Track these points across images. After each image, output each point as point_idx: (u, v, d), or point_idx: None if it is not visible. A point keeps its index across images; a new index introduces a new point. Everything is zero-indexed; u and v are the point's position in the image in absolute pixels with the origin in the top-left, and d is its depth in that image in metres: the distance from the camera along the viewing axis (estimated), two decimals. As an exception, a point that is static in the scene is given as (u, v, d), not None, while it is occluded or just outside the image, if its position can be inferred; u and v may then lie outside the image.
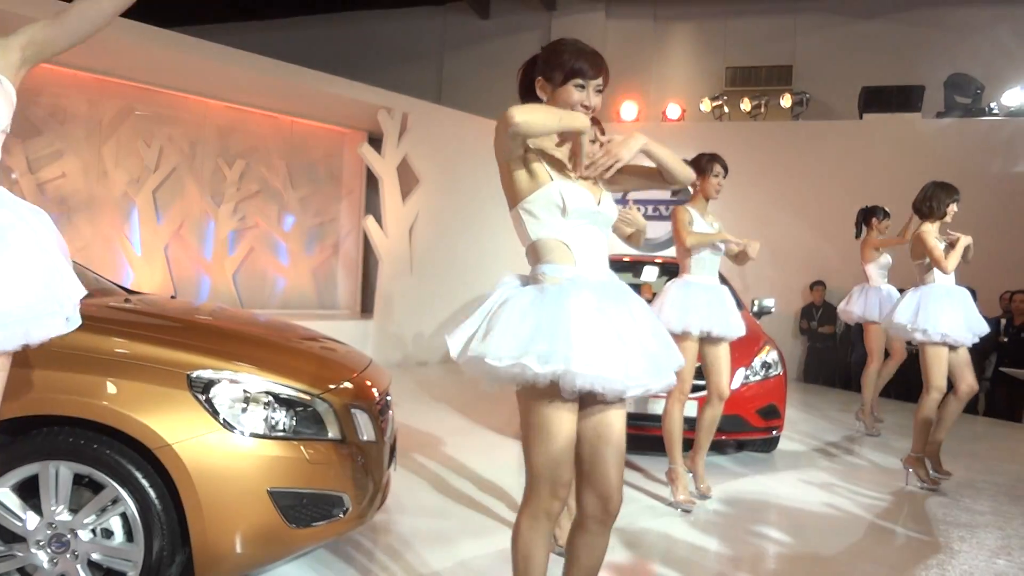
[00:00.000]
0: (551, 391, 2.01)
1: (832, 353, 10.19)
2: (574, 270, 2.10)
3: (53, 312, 1.75)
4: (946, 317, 4.57)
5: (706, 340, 4.21)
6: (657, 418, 4.98)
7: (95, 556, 2.39)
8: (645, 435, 5.04)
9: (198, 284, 9.55)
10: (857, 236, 6.56)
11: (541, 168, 2.12)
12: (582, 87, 2.10)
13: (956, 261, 4.60)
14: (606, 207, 2.21)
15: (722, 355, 4.28)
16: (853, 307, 6.61)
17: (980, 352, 8.15)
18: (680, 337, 4.08)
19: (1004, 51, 10.85)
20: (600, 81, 2.13)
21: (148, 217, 9.03)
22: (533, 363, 1.93)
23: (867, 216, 6.55)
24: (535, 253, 2.16)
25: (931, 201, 4.71)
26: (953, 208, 4.71)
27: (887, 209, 6.52)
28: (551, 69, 2.13)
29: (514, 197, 2.16)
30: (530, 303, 2.04)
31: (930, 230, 4.69)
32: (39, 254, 1.73)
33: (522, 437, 2.14)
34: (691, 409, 4.62)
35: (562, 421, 2.05)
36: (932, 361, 4.65)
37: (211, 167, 9.67)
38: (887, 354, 6.60)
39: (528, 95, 2.22)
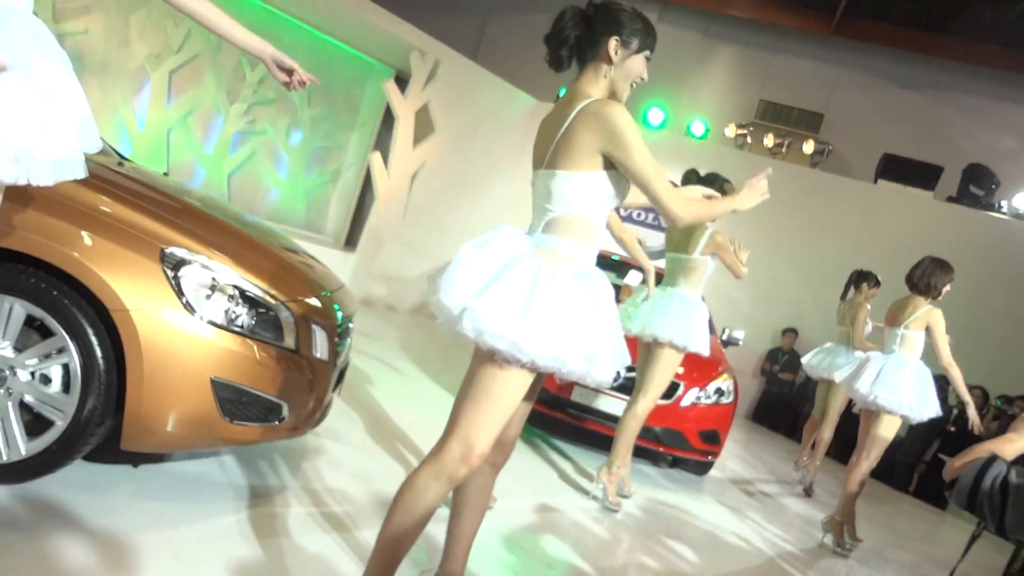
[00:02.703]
0: (524, 370, 1.99)
1: (787, 400, 10.33)
2: (588, 255, 2.11)
3: (57, 158, 1.77)
4: (908, 390, 4.58)
5: (655, 344, 4.30)
6: (600, 413, 5.08)
7: (28, 398, 2.41)
8: (585, 428, 5.12)
9: (193, 175, 9.48)
10: (843, 297, 6.55)
11: (598, 154, 2.07)
12: (648, 60, 2.17)
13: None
14: None
15: None
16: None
17: (925, 435, 8.31)
18: (668, 345, 4.23)
19: (1027, 155, 10.96)
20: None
21: (159, 96, 8.94)
22: (578, 359, 1.98)
23: (859, 279, 6.54)
24: (563, 224, 2.09)
25: (930, 279, 4.66)
26: (947, 288, 4.71)
27: (879, 278, 6.54)
28: (631, 35, 2.11)
29: (566, 163, 2.07)
30: (565, 289, 2.01)
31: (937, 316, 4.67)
32: (50, 99, 1.74)
33: (462, 393, 2.05)
34: (618, 407, 4.79)
35: (517, 398, 2.04)
36: (886, 432, 4.65)
37: (233, 63, 9.55)
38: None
39: (584, 49, 2.14)
